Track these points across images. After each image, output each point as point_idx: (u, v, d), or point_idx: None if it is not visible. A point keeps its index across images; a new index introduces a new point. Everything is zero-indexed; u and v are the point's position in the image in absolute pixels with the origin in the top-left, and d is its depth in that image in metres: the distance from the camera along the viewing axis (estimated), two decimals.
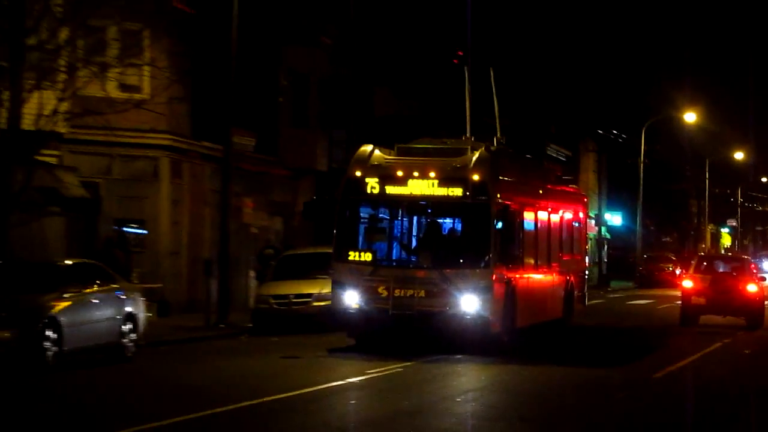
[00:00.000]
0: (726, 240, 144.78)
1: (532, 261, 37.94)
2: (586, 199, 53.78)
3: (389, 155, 34.39)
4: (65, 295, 31.29)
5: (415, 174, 32.37)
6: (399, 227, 34.34)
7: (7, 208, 37.39)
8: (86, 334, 31.81)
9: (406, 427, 22.18)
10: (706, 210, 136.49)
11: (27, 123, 38.03)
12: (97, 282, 33.47)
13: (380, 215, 34.61)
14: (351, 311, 33.04)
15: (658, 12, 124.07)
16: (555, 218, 42.28)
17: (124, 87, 44.75)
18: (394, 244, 34.49)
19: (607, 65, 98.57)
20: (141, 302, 35.17)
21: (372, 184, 32.76)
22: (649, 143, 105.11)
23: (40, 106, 38.37)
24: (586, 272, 53.24)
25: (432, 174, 32.32)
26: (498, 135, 44.40)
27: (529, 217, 37.70)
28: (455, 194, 32.41)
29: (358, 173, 33.18)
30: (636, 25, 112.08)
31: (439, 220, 34.58)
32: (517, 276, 34.92)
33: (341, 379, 26.77)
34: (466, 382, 28.91)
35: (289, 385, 26.06)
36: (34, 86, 37.87)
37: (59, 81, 38.16)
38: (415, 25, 65.34)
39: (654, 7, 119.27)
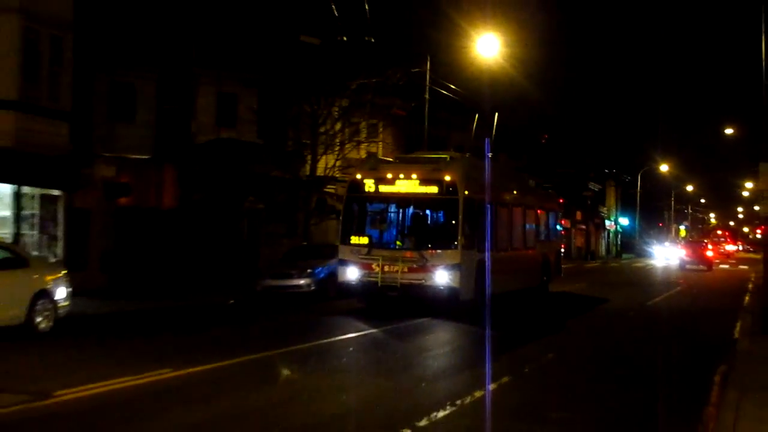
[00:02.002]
0: (683, 233, 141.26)
1: (504, 243, 30.06)
2: (561, 201, 43.88)
3: (388, 164, 28.27)
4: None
5: (401, 176, 26.20)
6: (390, 217, 27.49)
7: (309, 217, 38.08)
8: None
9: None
10: (672, 216, 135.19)
11: (319, 172, 38.57)
12: None
13: (375, 208, 27.58)
14: (352, 283, 26.21)
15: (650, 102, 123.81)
16: (529, 211, 33.81)
17: (368, 153, 45.09)
18: (386, 231, 27.28)
19: (619, 136, 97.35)
20: None
21: (369, 184, 26.49)
22: (643, 181, 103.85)
23: (326, 163, 38.88)
24: (562, 251, 43.31)
25: (414, 176, 26.11)
26: (490, 154, 40.03)
27: (501, 209, 29.97)
28: (432, 191, 25.97)
29: (359, 176, 26.90)
30: (639, 111, 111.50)
31: (420, 212, 27.60)
32: (489, 255, 27.30)
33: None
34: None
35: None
36: (323, 153, 38.43)
37: (335, 150, 38.68)
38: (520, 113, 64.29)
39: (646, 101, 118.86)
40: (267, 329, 22.85)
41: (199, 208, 36.29)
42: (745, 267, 76.42)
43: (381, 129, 45.35)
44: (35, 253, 28.23)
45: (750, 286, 44.88)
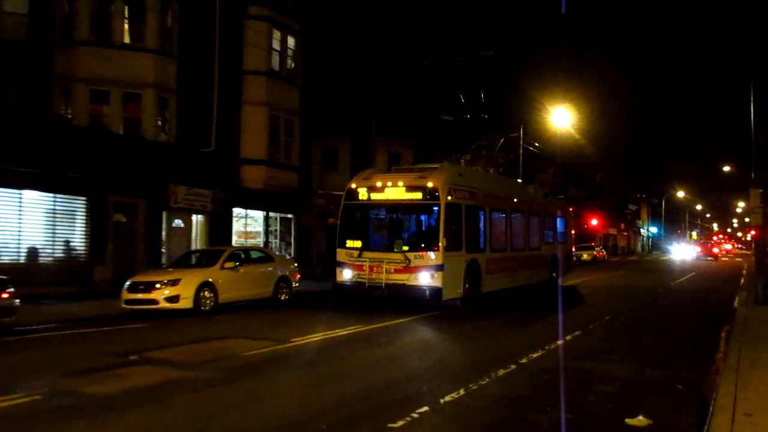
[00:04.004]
0: (694, 237, 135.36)
1: (501, 244, 22.29)
2: (571, 209, 32.41)
3: (381, 173, 20.75)
4: None
5: (389, 184, 19.09)
6: (380, 222, 20.02)
7: None
8: None
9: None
10: (686, 226, 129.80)
11: None
12: None
13: (368, 214, 19.89)
14: (346, 283, 19.29)
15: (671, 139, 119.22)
16: (533, 217, 25.26)
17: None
18: (376, 235, 19.94)
19: (649, 173, 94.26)
20: None
21: (362, 193, 19.50)
22: (666, 202, 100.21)
23: None
24: (572, 251, 32.39)
25: (401, 184, 18.97)
26: (520, 177, 35.11)
27: (497, 214, 22.08)
28: (417, 198, 18.70)
29: (354, 185, 19.90)
30: (663, 154, 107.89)
31: (406, 217, 19.88)
32: (482, 256, 20.31)
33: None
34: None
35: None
36: None
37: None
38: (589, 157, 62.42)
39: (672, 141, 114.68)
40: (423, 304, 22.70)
41: None
42: (740, 259, 72.45)
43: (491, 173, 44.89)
44: (278, 253, 29.03)
45: (744, 272, 42.53)
